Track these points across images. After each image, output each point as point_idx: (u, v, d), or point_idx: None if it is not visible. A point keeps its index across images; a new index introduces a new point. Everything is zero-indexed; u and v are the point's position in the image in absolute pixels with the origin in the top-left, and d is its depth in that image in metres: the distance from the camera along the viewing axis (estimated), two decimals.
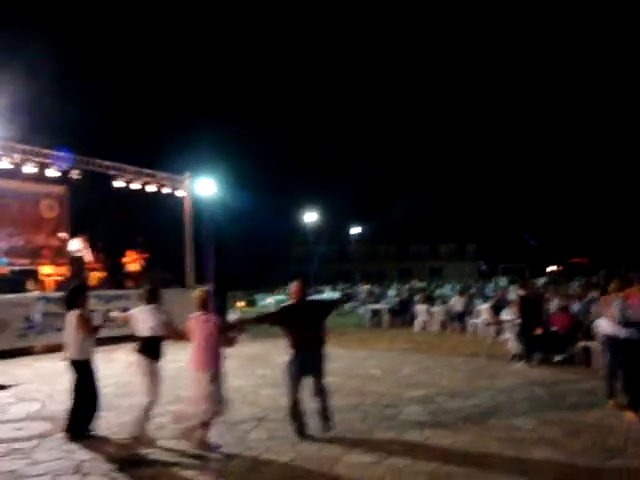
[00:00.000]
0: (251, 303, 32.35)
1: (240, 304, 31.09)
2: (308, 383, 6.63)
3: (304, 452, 6.06)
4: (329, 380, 6.88)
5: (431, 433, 6.62)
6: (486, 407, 7.83)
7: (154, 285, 7.09)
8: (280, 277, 35.68)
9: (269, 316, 7.37)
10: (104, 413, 7.87)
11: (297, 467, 5.64)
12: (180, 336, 6.57)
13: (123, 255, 18.70)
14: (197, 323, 6.36)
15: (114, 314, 7.86)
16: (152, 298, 6.74)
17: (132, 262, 18.64)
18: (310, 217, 39.48)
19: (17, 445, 6.48)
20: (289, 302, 6.98)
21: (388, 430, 6.79)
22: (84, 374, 6.97)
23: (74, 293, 7.33)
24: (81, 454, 6.13)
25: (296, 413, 6.64)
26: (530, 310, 11.56)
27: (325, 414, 6.70)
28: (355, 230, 54.53)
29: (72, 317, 7.04)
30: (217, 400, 6.21)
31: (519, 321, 11.65)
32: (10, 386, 10.07)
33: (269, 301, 30.46)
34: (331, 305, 8.29)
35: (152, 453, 6.15)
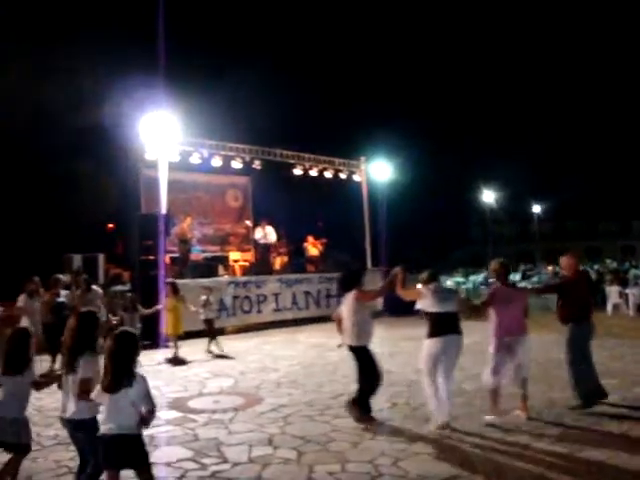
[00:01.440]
0: None
1: (419, 287, 30.80)
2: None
3: (489, 437, 5.91)
4: None
5: (630, 425, 6.12)
6: None
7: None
8: (458, 258, 35.00)
9: (552, 287, 8.05)
10: (291, 390, 8.29)
11: (480, 453, 5.52)
12: (474, 310, 6.89)
13: (304, 240, 19.39)
14: (505, 293, 6.60)
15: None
16: (434, 277, 6.58)
17: (312, 247, 19.29)
18: (488, 196, 38.29)
19: (216, 416, 7.01)
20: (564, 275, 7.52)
21: (580, 420, 6.39)
22: (364, 358, 6.70)
23: (352, 276, 7.08)
24: (271, 428, 6.48)
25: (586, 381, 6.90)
26: None
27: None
28: (537, 208, 51.78)
29: (349, 298, 6.78)
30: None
31: None
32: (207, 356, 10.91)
33: (448, 283, 29.92)
34: None
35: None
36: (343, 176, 19.81)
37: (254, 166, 17.67)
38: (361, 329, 6.65)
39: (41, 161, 23.18)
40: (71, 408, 4.36)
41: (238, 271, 17.52)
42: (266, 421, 6.77)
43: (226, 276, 16.42)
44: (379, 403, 7.24)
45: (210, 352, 11.75)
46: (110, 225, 23.67)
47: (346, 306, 6.78)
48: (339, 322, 6.91)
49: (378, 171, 20.32)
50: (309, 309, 17.08)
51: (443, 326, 6.27)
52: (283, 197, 19.21)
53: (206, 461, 5.51)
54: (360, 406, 6.63)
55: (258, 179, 19.76)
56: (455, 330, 6.30)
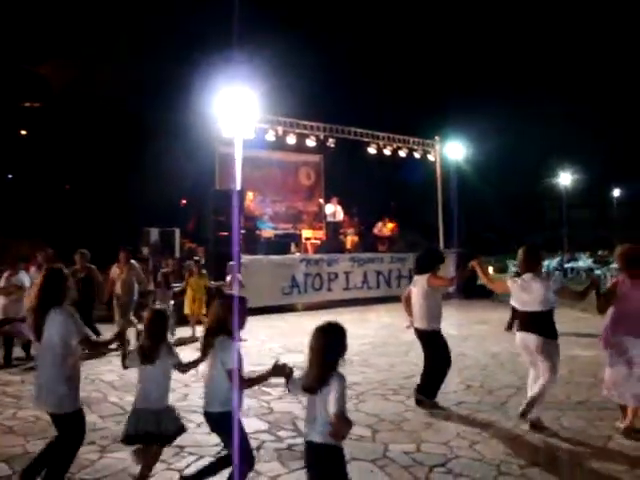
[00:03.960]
0: (502, 269, 31.27)
1: (490, 270, 30.03)
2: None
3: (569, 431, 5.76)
4: None
5: None
6: None
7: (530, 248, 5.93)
8: (532, 242, 34.07)
9: None
10: (364, 369, 8.31)
11: (556, 443, 5.38)
12: (580, 298, 5.85)
13: (378, 220, 19.25)
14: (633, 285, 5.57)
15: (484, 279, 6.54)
16: (533, 263, 5.85)
17: (384, 227, 19.16)
18: (565, 179, 37.09)
19: None
20: None
21: None
22: (434, 343, 6.48)
23: (430, 258, 6.75)
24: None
25: None
26: None
27: None
28: (617, 192, 49.64)
29: (421, 280, 6.53)
30: None
31: None
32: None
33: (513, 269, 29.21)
34: None
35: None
36: (417, 155, 19.52)
37: (328, 144, 17.61)
38: (432, 313, 6.47)
39: (123, 139, 23.94)
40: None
41: (310, 249, 17.63)
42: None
43: (298, 253, 16.53)
44: (453, 385, 7.19)
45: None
46: (183, 201, 24.29)
47: (418, 288, 6.58)
48: (407, 302, 6.74)
49: (452, 151, 19.94)
50: (380, 289, 17.01)
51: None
52: (356, 176, 19.16)
53: (282, 434, 5.60)
54: (427, 391, 6.49)
55: (331, 157, 19.73)
56: (535, 330, 5.65)
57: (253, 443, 5.31)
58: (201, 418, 4.48)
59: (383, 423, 5.91)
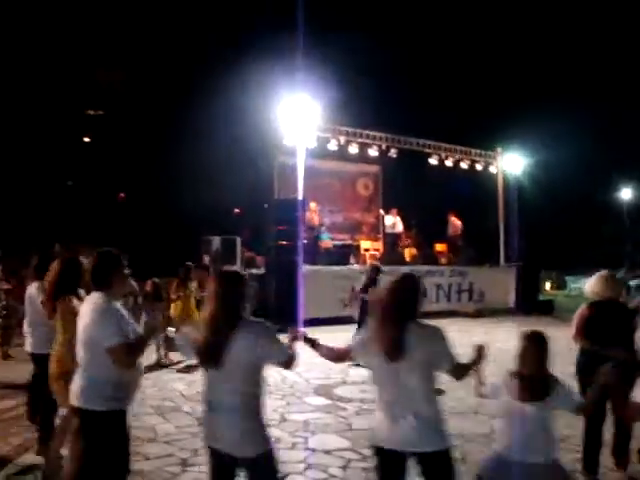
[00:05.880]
0: (560, 286, 30.23)
1: (547, 286, 28.92)
2: None
3: None
4: None
5: None
6: None
7: None
8: (590, 258, 33.08)
9: None
10: None
11: None
12: None
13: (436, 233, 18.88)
14: None
15: None
16: None
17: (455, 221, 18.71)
18: (626, 194, 35.99)
19: (366, 406, 6.87)
20: None
21: None
22: None
23: None
24: None
25: None
26: None
27: None
28: None
29: None
30: None
31: None
32: None
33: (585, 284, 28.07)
34: None
35: None
36: (479, 167, 19.10)
37: (390, 154, 17.35)
38: None
39: (180, 147, 24.23)
40: None
41: (369, 260, 17.40)
42: None
43: (356, 265, 16.32)
44: None
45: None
46: (237, 210, 24.37)
47: None
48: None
49: (512, 163, 19.42)
50: (439, 303, 16.64)
51: None
52: (415, 188, 18.86)
53: (365, 452, 5.38)
54: None
55: (390, 168, 19.45)
56: None
57: (338, 462, 5.14)
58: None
59: (470, 443, 5.65)
